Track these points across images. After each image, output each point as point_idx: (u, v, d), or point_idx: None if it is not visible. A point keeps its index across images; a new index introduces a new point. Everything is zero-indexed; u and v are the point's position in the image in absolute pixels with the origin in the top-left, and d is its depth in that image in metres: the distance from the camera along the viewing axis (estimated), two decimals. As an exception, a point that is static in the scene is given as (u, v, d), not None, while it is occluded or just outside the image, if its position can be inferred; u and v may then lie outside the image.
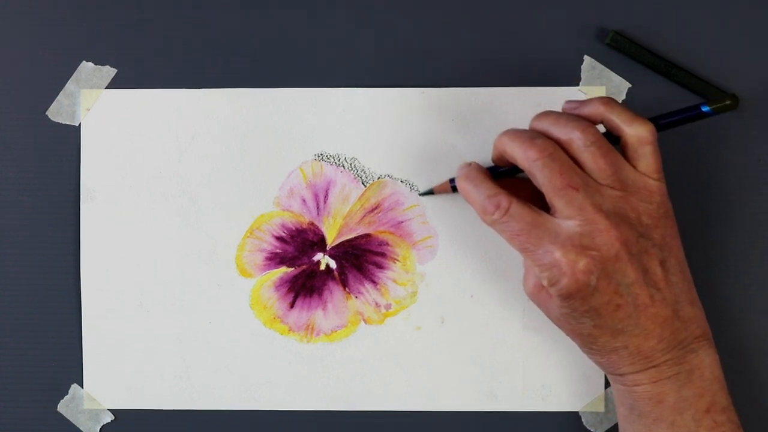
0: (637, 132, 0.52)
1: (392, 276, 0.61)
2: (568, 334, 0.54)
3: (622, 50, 0.61)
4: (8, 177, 0.62)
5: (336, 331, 0.61)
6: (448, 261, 0.61)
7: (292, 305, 0.61)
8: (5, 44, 0.62)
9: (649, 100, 0.61)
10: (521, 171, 0.54)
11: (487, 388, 0.61)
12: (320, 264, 0.61)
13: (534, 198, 0.54)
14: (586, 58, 0.61)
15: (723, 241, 0.61)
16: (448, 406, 0.61)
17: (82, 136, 0.62)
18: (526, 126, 0.55)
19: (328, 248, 0.61)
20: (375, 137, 0.61)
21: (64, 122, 0.62)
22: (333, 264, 0.61)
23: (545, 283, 0.52)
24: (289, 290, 0.61)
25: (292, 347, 0.61)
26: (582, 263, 0.50)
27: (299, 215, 0.61)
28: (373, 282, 0.61)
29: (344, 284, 0.61)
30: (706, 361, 0.53)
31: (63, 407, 0.62)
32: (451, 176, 0.59)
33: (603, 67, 0.61)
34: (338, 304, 0.61)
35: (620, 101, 0.61)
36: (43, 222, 0.62)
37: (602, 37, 0.61)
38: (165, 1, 0.62)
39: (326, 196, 0.61)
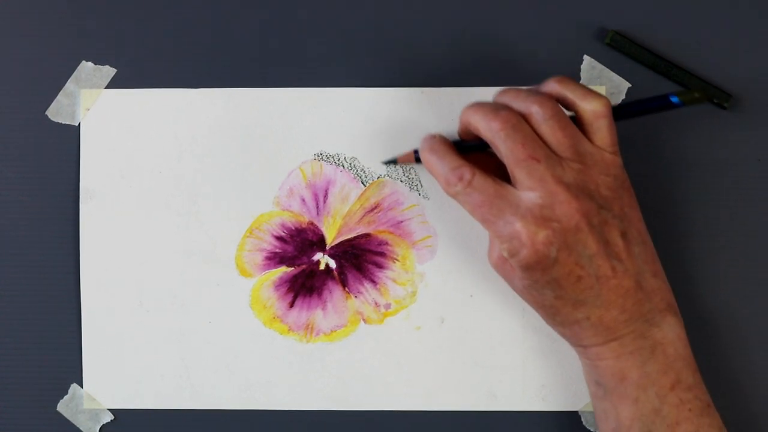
0: (591, 106, 0.53)
1: (392, 276, 0.61)
2: (531, 306, 0.55)
3: (622, 50, 0.61)
4: (8, 177, 0.62)
5: (336, 331, 0.61)
6: (448, 261, 0.61)
7: (291, 305, 0.61)
8: (5, 44, 0.62)
9: (649, 100, 0.61)
10: (487, 147, 0.55)
11: (487, 388, 0.61)
12: (320, 264, 0.61)
13: (497, 172, 0.54)
14: (586, 58, 0.61)
15: (723, 240, 0.61)
16: (448, 406, 0.61)
17: (82, 135, 0.62)
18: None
19: (327, 248, 0.61)
20: (375, 137, 0.61)
21: (63, 122, 0.62)
22: (332, 264, 0.61)
23: (506, 254, 0.52)
24: (289, 290, 0.61)
25: (292, 347, 0.61)
26: (542, 234, 0.51)
27: (299, 215, 0.61)
28: (373, 282, 0.61)
29: (344, 284, 0.61)
30: (670, 337, 0.53)
31: (63, 407, 0.62)
32: (416, 147, 0.59)
33: (603, 66, 0.61)
34: (338, 304, 0.61)
35: (620, 101, 0.61)
36: (42, 222, 0.62)
37: (602, 37, 0.61)
38: (165, 1, 0.62)
39: (326, 195, 0.61)
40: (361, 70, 0.62)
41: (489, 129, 0.52)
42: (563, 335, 0.55)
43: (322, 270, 0.61)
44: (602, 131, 0.53)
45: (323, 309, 0.61)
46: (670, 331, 0.53)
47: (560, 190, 0.51)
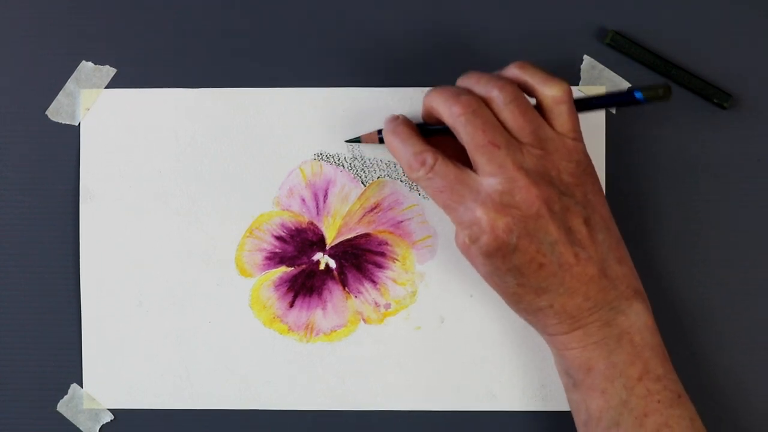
0: (551, 92, 0.53)
1: (392, 276, 0.61)
2: (496, 292, 0.55)
3: (622, 50, 0.61)
4: (8, 177, 0.62)
5: (335, 331, 0.61)
6: (448, 261, 0.61)
7: (291, 305, 0.61)
8: (5, 44, 0.62)
9: (649, 100, 0.61)
10: (450, 131, 0.54)
11: (487, 388, 0.61)
12: (320, 263, 0.61)
13: (460, 155, 0.54)
14: (586, 58, 0.61)
15: (723, 241, 0.61)
16: (448, 406, 0.61)
17: (82, 135, 0.62)
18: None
19: (327, 248, 0.61)
20: (375, 137, 0.61)
21: (63, 122, 0.62)
22: (332, 263, 0.61)
23: (467, 240, 0.52)
24: (289, 290, 0.61)
25: (292, 347, 0.61)
26: (502, 222, 0.51)
27: (299, 215, 0.61)
28: (373, 282, 0.61)
29: (344, 284, 0.61)
30: (637, 325, 0.53)
31: (63, 407, 0.62)
32: (380, 127, 0.59)
33: (603, 67, 0.61)
34: (338, 304, 0.61)
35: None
36: (42, 222, 0.62)
37: (602, 37, 0.61)
38: (165, 1, 0.62)
39: (326, 195, 0.61)
40: (361, 70, 0.62)
41: (450, 114, 0.52)
42: (529, 323, 0.55)
43: (322, 270, 0.61)
44: (563, 116, 0.53)
45: (323, 309, 0.61)
46: (637, 319, 0.53)
47: (520, 176, 0.51)
